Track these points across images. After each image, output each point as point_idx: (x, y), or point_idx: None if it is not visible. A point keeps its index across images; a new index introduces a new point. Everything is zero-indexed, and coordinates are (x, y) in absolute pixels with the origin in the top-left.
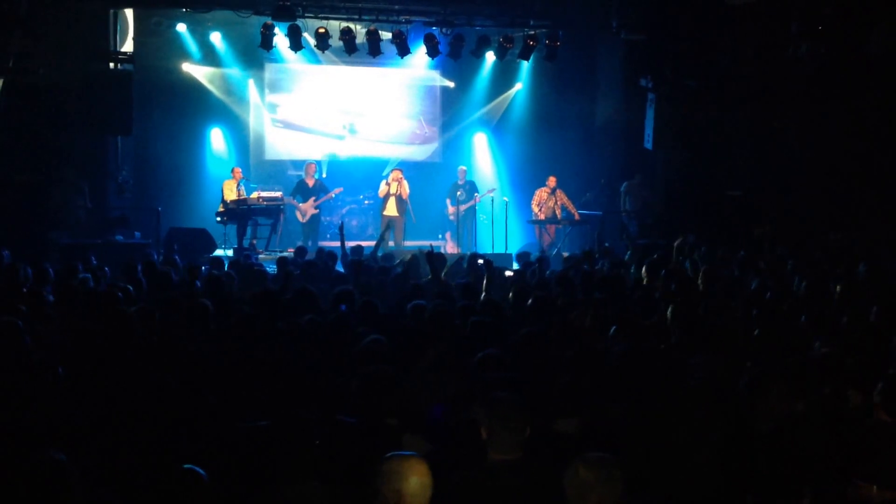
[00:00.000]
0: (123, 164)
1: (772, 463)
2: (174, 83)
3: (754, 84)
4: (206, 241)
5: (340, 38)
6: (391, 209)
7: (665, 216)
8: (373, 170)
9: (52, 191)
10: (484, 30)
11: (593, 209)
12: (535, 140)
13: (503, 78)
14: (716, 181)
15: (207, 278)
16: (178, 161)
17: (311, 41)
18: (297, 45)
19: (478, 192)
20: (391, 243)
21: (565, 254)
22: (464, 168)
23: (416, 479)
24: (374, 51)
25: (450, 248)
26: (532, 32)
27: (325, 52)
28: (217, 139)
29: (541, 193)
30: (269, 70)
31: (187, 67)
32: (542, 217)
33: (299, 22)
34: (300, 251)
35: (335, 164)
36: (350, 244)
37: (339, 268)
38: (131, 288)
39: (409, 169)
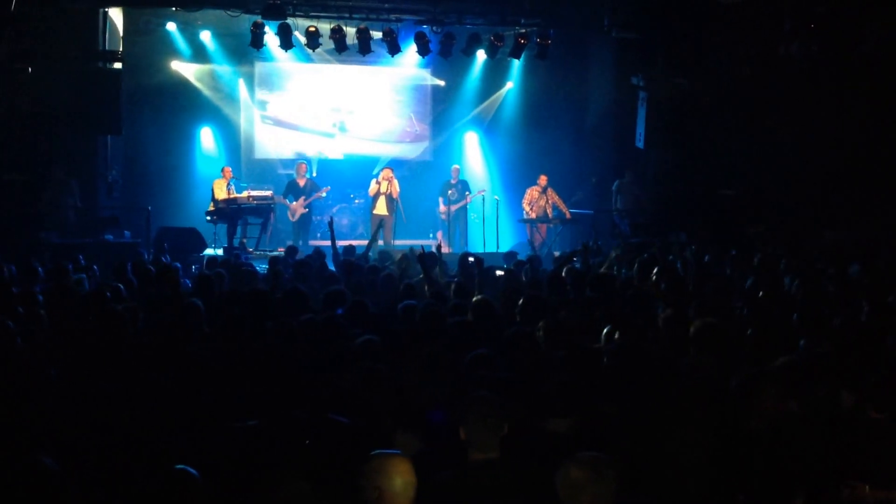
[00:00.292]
0: (113, 163)
1: (764, 463)
2: (164, 82)
3: (747, 82)
4: (196, 241)
5: (331, 37)
6: (381, 208)
7: (657, 215)
8: (363, 169)
9: (42, 190)
10: (474, 28)
11: (584, 208)
12: (526, 139)
13: (494, 77)
14: (708, 180)
15: (198, 278)
16: (168, 160)
17: (302, 40)
18: (287, 43)
19: (469, 192)
20: (380, 242)
21: (556, 253)
22: (457, 167)
23: (399, 478)
24: (364, 49)
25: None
26: (523, 31)
27: (316, 50)
28: (207, 138)
29: (532, 192)
30: (260, 68)
31: (177, 66)
32: (534, 216)
33: (289, 20)
34: (291, 250)
35: (325, 164)
36: (341, 243)
37: (330, 265)
38: (122, 287)
39: (399, 168)
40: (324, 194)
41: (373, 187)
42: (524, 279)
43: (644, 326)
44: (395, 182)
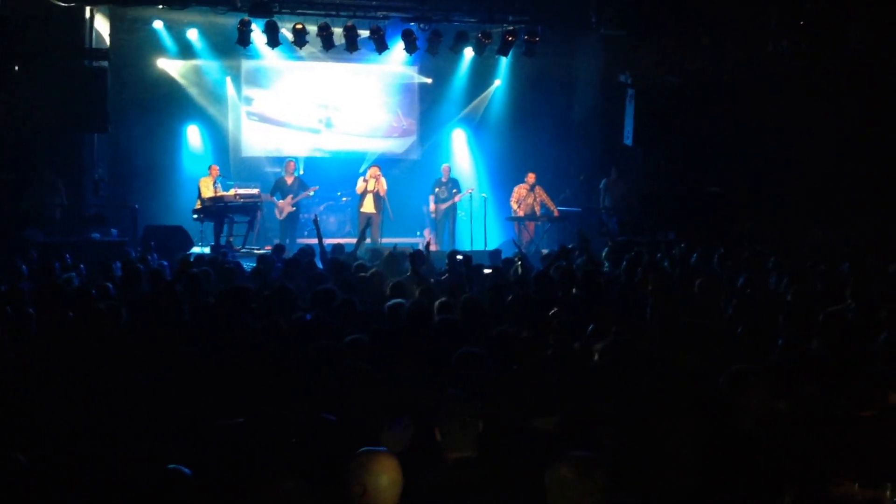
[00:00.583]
0: (99, 161)
1: (753, 461)
2: (150, 80)
3: (735, 80)
4: (183, 239)
5: (318, 35)
6: (369, 206)
7: (645, 213)
8: (350, 167)
9: (28, 189)
10: (462, 25)
11: (572, 206)
12: (514, 136)
13: (481, 75)
14: (696, 177)
15: (185, 276)
16: (155, 158)
17: (289, 37)
18: (273, 41)
19: (458, 191)
20: (368, 240)
21: (544, 251)
22: (447, 166)
23: (384, 475)
24: (351, 47)
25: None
26: (510, 28)
27: (303, 48)
28: (194, 136)
29: (520, 190)
30: (246, 66)
31: (164, 64)
32: (522, 214)
33: (276, 18)
34: (278, 249)
35: (312, 161)
36: (329, 242)
37: (318, 263)
38: (111, 286)
39: (386, 166)
40: (311, 193)
41: (360, 185)
42: (512, 277)
43: (632, 325)
44: (383, 180)
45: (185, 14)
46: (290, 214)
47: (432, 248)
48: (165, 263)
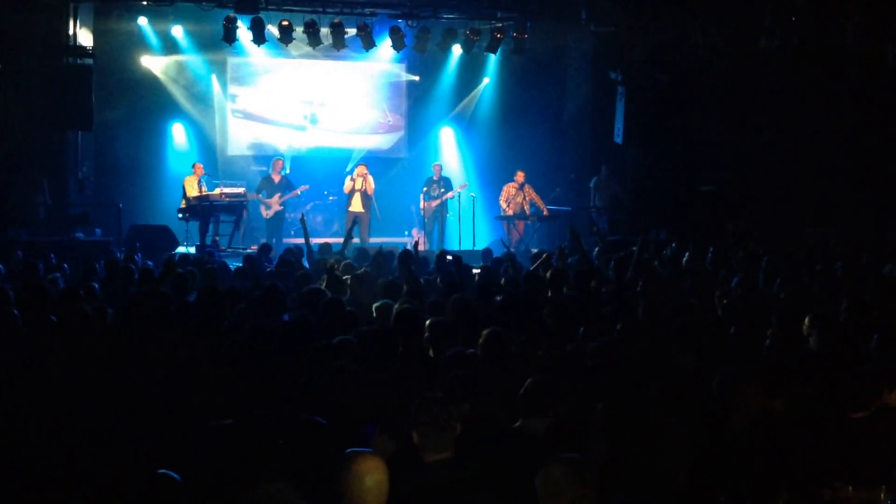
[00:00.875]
0: (84, 159)
1: (746, 462)
2: (135, 78)
3: (727, 77)
4: (168, 239)
5: (304, 31)
6: (356, 205)
7: (636, 212)
8: (337, 165)
9: (12, 188)
10: (450, 22)
11: (563, 205)
12: (502, 135)
13: (470, 72)
14: (688, 176)
15: (171, 276)
16: (140, 157)
17: (275, 34)
18: (259, 38)
19: (453, 188)
20: (356, 240)
21: (534, 250)
22: (438, 165)
23: (370, 477)
24: (338, 44)
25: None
26: (499, 25)
27: (289, 45)
28: (179, 134)
29: (508, 189)
30: (232, 63)
31: (148, 62)
32: (511, 213)
33: (262, 15)
34: (264, 248)
35: (299, 160)
36: (316, 241)
37: (305, 263)
38: (97, 286)
39: (374, 164)
40: (298, 193)
41: (348, 184)
42: (502, 277)
43: (623, 325)
44: (370, 178)
45: (169, 11)
46: (276, 214)
47: (421, 247)
48: (150, 263)
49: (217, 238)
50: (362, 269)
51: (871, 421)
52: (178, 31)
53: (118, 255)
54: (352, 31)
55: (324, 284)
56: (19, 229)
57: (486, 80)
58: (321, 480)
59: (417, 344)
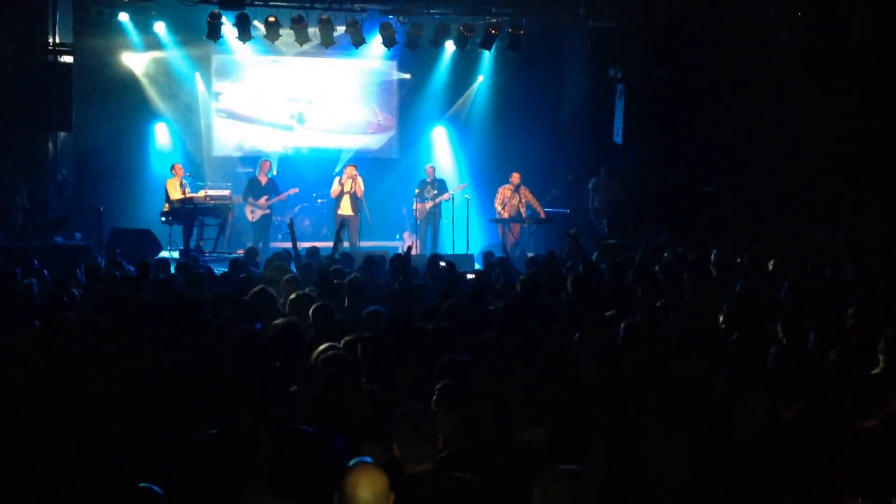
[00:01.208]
0: (63, 161)
1: (749, 474)
2: (116, 76)
3: (731, 74)
4: (151, 243)
5: (291, 28)
6: (346, 208)
7: (636, 214)
8: (325, 166)
9: None
10: (443, 18)
11: (560, 207)
12: (497, 134)
13: (463, 70)
14: (690, 177)
15: (153, 282)
16: (121, 158)
17: (261, 30)
18: (245, 35)
19: (448, 190)
20: (346, 244)
21: (530, 254)
22: (431, 167)
23: (368, 489)
24: (326, 41)
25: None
26: (494, 20)
27: (276, 42)
28: (162, 135)
29: (504, 191)
30: (217, 61)
31: (130, 59)
32: (506, 216)
33: (248, 10)
34: (250, 253)
35: (286, 161)
36: (304, 245)
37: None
38: (77, 292)
39: (364, 165)
40: (285, 198)
41: (335, 187)
42: (496, 282)
43: (622, 331)
44: (360, 180)
45: (151, 6)
46: (263, 217)
47: (414, 252)
48: (132, 269)
49: (201, 242)
50: (352, 275)
51: (880, 430)
52: (160, 28)
53: (99, 260)
54: (341, 28)
55: (316, 292)
56: None
57: (480, 78)
58: (310, 494)
59: (410, 352)
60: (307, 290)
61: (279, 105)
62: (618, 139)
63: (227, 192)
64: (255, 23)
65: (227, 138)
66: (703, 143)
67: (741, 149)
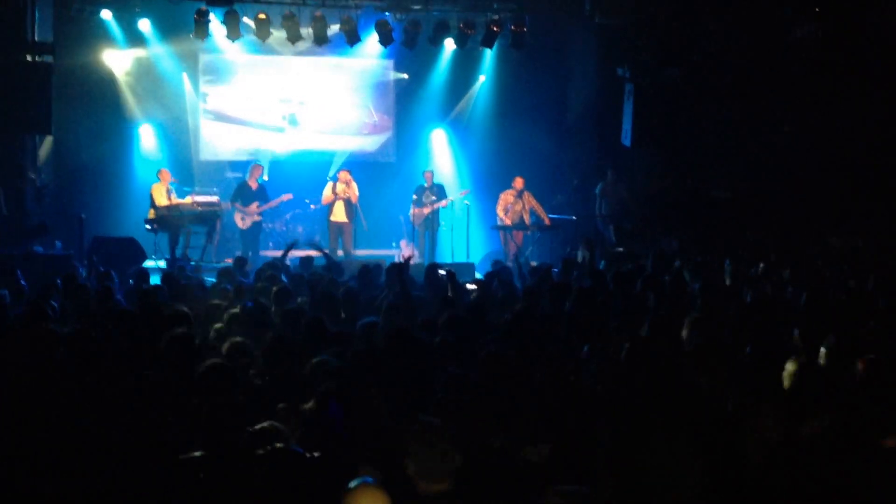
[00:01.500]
0: (42, 166)
1: (764, 494)
2: (99, 76)
3: (745, 73)
4: (135, 252)
5: (283, 25)
6: (339, 214)
7: (645, 220)
8: (318, 170)
9: None
10: (442, 15)
11: (565, 213)
12: (500, 137)
13: (464, 69)
14: (701, 181)
15: (137, 292)
16: (104, 162)
17: (251, 28)
18: (234, 33)
19: (447, 196)
20: (340, 252)
21: (533, 263)
22: (430, 172)
23: None
24: (320, 39)
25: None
26: (496, 17)
27: (267, 40)
28: (147, 138)
29: (506, 196)
30: (204, 60)
31: (113, 59)
32: (509, 222)
33: (237, 7)
34: (239, 262)
35: (277, 165)
36: (296, 254)
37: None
38: (56, 304)
39: (359, 169)
40: (277, 203)
41: (327, 193)
42: (497, 293)
43: (630, 344)
44: (354, 185)
45: (136, 3)
46: (253, 224)
47: (413, 260)
48: (117, 279)
49: (188, 251)
50: (345, 285)
51: None
52: (145, 25)
53: (80, 269)
54: (335, 26)
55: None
56: None
57: (481, 78)
58: None
59: (408, 366)
60: (299, 300)
61: (270, 106)
62: (626, 142)
63: (215, 199)
64: (245, 20)
65: (215, 141)
66: (716, 145)
67: (756, 152)
